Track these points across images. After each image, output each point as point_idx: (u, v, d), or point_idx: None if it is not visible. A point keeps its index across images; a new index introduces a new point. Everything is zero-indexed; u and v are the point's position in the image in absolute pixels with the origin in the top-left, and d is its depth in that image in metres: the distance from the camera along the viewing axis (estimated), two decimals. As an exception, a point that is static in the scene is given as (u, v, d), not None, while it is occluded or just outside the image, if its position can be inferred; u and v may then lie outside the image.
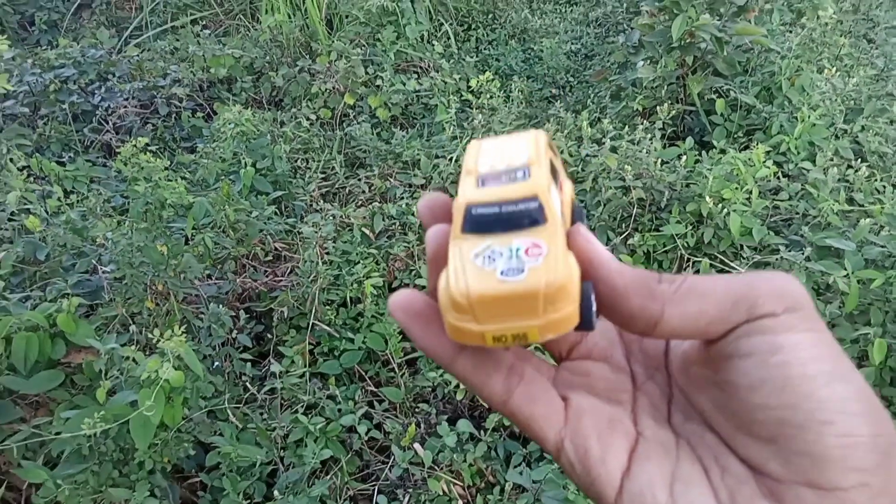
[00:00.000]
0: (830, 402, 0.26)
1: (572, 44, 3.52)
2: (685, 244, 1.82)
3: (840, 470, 0.26)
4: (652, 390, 0.32)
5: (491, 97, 2.64)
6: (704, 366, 0.30)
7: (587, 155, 2.17)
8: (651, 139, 2.08)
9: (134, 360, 1.46)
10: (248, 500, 1.45)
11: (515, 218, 0.27)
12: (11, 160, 2.12)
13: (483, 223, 0.28)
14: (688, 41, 2.31)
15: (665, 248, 1.87)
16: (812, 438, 0.26)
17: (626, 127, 2.18)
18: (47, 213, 2.06)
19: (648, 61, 2.44)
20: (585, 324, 0.27)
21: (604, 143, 2.09)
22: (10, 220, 1.97)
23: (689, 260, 1.81)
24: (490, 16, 3.81)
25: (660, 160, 1.98)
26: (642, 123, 2.17)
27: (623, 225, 2.00)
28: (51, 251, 1.93)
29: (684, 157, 1.99)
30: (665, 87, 2.45)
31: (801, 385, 0.26)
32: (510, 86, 2.90)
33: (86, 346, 1.57)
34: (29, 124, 2.80)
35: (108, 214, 2.15)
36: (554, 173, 0.30)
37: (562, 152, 2.24)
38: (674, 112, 2.25)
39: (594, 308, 0.28)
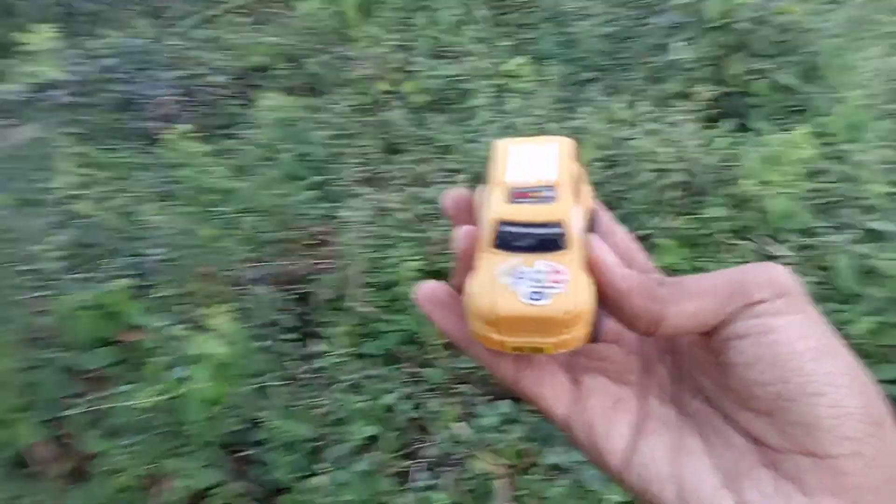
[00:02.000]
0: (819, 375, 0.28)
1: (608, 25, 3.49)
2: (726, 228, 1.81)
3: (832, 438, 0.28)
4: (661, 371, 0.35)
5: (526, 81, 2.64)
6: (706, 350, 0.32)
7: (622, 138, 2.17)
8: (689, 121, 2.07)
9: (183, 338, 1.52)
10: (295, 474, 1.50)
11: (541, 241, 0.30)
12: (61, 148, 2.19)
13: (511, 241, 0.30)
14: (726, 21, 2.28)
15: (705, 232, 1.87)
16: (804, 410, 0.28)
17: (663, 109, 2.17)
18: (95, 199, 2.14)
19: (686, 42, 2.42)
20: (594, 339, 0.31)
21: (641, 126, 2.08)
22: (61, 204, 2.04)
23: (730, 244, 1.80)
24: (523, -1, 3.79)
25: (698, 143, 1.97)
26: (680, 106, 2.15)
27: (660, 209, 2.00)
28: (102, 235, 2.00)
29: (723, 140, 1.97)
30: (703, 69, 2.42)
31: (792, 361, 0.28)
32: (545, 69, 2.90)
33: (138, 325, 1.63)
34: (75, 113, 2.88)
35: (153, 199, 2.22)
36: (577, 185, 0.32)
37: (594, 137, 2.24)
38: (712, 94, 2.23)
39: (603, 326, 0.32)
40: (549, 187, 0.31)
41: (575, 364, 0.34)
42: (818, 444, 0.28)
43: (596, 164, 2.19)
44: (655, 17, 2.85)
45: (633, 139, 2.09)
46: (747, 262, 1.78)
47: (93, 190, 2.12)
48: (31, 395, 1.54)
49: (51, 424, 1.57)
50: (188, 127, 2.05)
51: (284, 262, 2.06)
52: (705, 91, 2.13)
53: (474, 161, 2.33)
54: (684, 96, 2.43)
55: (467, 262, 0.32)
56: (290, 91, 3.09)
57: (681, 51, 2.36)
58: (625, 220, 2.04)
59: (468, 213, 0.34)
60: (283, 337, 1.81)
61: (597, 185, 1.99)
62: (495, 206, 0.31)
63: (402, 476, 1.64)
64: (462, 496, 1.50)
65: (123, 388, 1.52)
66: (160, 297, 1.78)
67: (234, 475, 1.60)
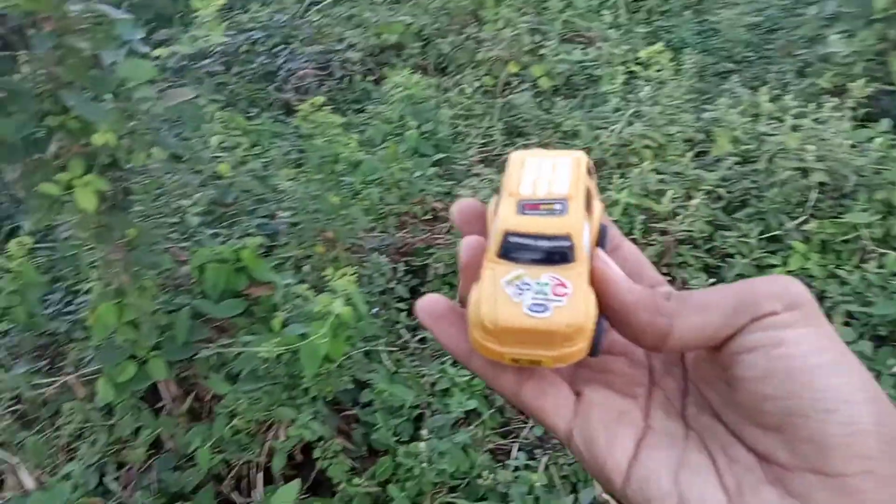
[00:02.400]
0: (832, 391, 0.27)
1: (754, 15, 3.28)
2: (871, 235, 1.67)
3: (844, 457, 0.26)
4: (668, 384, 0.33)
5: (660, 70, 2.54)
6: (714, 364, 0.31)
7: (762, 133, 2.05)
8: (840, 119, 1.92)
9: (305, 297, 1.60)
10: (397, 437, 1.55)
11: (548, 253, 0.29)
12: (209, 112, 2.35)
13: (518, 252, 0.30)
14: (892, 13, 2.09)
15: (845, 238, 1.73)
16: (816, 426, 0.27)
17: (811, 105, 2.02)
18: (236, 161, 2.28)
19: (843, 35, 2.23)
20: (592, 353, 0.30)
21: (784, 122, 1.95)
22: (205, 164, 2.19)
23: (873, 252, 1.66)
24: (665, -15, 3.64)
25: (849, 142, 1.82)
26: (831, 102, 2.00)
27: (798, 210, 1.87)
28: (237, 195, 2.14)
29: (878, 141, 1.81)
30: (860, 64, 2.23)
31: (804, 375, 0.27)
32: (681, 58, 2.78)
33: (264, 281, 1.74)
34: (222, 81, 3.08)
35: (286, 166, 2.34)
36: (588, 201, 0.32)
37: (735, 129, 2.13)
38: (869, 91, 2.05)
39: (602, 340, 0.30)
40: (560, 201, 0.31)
41: (579, 376, 0.33)
42: (829, 462, 0.26)
43: (732, 158, 2.08)
44: (811, 7, 2.65)
45: (774, 135, 1.97)
46: (893, 273, 1.63)
47: (233, 153, 2.27)
48: (165, 336, 1.68)
49: (180, 365, 1.71)
50: (322, 99, 2.14)
51: (403, 234, 2.12)
52: (861, 87, 1.96)
53: (600, 148, 2.28)
54: (836, 92, 2.25)
55: (471, 273, 0.31)
56: (419, 69, 3.15)
57: (837, 44, 2.18)
58: (757, 218, 1.93)
59: (478, 224, 0.33)
60: (396, 305, 1.87)
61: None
62: (504, 217, 0.30)
63: (499, 453, 1.65)
64: (559, 479, 1.49)
65: (247, 338, 1.63)
66: (286, 257, 1.88)
67: (339, 432, 1.68)
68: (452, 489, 1.51)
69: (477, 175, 2.28)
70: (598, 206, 0.33)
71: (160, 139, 1.31)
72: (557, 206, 0.30)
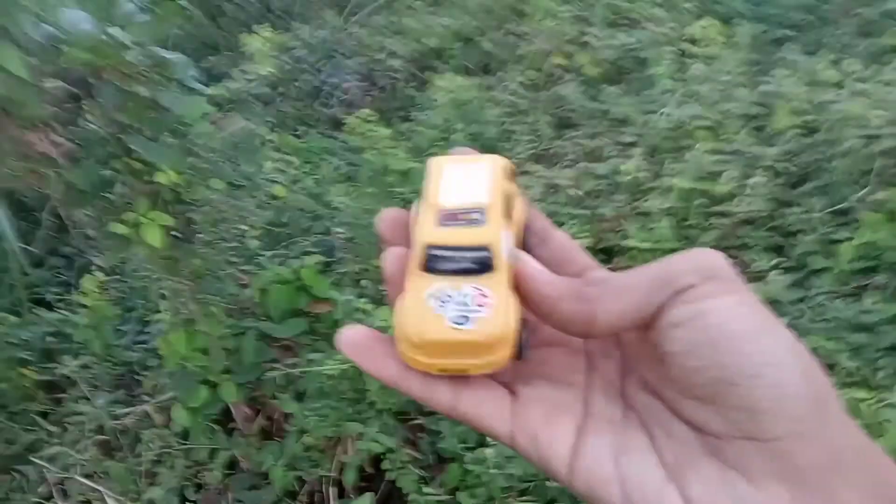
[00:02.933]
0: (757, 356, 0.27)
1: (807, -23, 3.12)
2: (951, 199, 1.56)
3: (773, 420, 0.27)
4: (607, 367, 0.34)
5: (709, 45, 2.45)
6: (646, 343, 0.31)
7: (825, 102, 1.94)
8: (908, 78, 1.80)
9: (365, 311, 1.61)
10: (463, 444, 1.55)
11: (469, 264, 0.30)
12: (261, 136, 2.41)
13: (440, 264, 0.31)
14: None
15: (922, 206, 1.62)
16: (744, 393, 0.27)
17: (875, 66, 1.90)
18: (289, 181, 2.32)
19: (906, -12, 2.09)
20: (518, 357, 0.31)
21: (846, 87, 1.85)
22: (261, 187, 2.24)
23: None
24: (709, -44, 3.51)
25: (919, 102, 1.71)
26: (896, 61, 1.88)
27: (866, 180, 1.76)
28: (292, 214, 2.18)
29: (953, 98, 1.69)
30: (928, 17, 2.09)
31: (728, 343, 0.27)
32: (733, 30, 2.66)
33: (325, 298, 1.76)
34: (271, 103, 3.15)
35: (338, 181, 2.37)
36: (508, 205, 0.32)
37: (794, 101, 2.03)
38: (939, 45, 1.92)
39: (528, 344, 0.32)
40: (479, 210, 0.31)
41: (518, 374, 0.33)
42: (760, 427, 0.27)
43: (792, 131, 1.99)
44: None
45: (837, 102, 1.86)
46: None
47: (286, 174, 2.31)
48: (233, 359, 1.72)
49: (249, 387, 1.76)
50: (369, 111, 2.15)
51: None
52: (931, 42, 1.83)
53: (651, 133, 2.22)
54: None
55: (396, 284, 0.32)
56: (463, 71, 3.14)
57: (899, -3, 2.05)
58: (822, 192, 1.84)
59: (404, 233, 0.34)
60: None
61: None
62: (424, 230, 0.31)
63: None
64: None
65: (312, 355, 1.65)
66: (344, 273, 1.90)
67: (406, 442, 1.68)
68: (522, 493, 1.49)
69: (528, 173, 2.25)
70: (519, 207, 0.34)
71: (218, 170, 1.35)
72: (475, 216, 0.31)
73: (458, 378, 0.32)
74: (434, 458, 1.63)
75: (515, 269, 0.31)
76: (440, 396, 0.32)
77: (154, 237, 1.38)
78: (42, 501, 1.69)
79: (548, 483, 1.41)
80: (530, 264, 0.32)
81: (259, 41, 1.46)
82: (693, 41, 2.49)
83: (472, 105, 2.58)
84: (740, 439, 0.27)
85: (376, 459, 1.59)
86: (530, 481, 1.47)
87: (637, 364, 0.33)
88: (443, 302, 0.30)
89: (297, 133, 2.87)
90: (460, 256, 0.30)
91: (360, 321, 1.64)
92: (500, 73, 2.97)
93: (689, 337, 0.28)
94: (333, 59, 3.28)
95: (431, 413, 1.65)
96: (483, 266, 0.30)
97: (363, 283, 1.83)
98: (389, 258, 0.33)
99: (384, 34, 3.40)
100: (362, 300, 1.66)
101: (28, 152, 1.26)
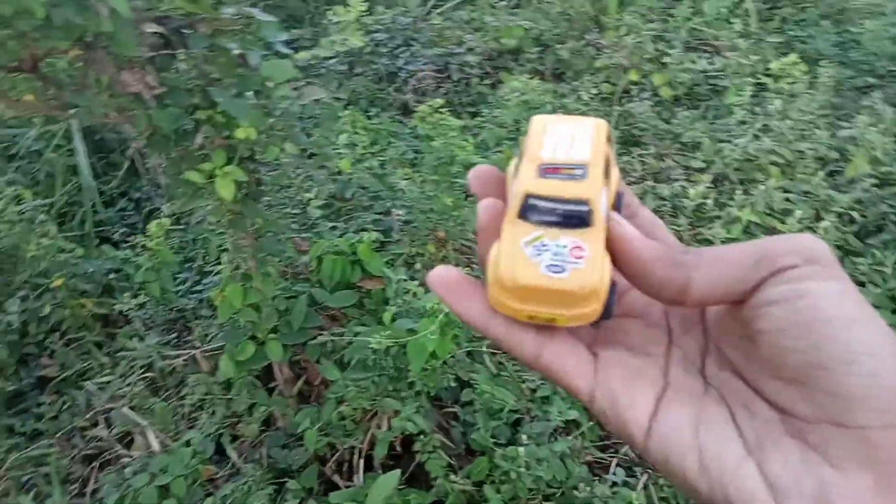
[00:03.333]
0: (853, 343, 0.27)
1: (903, 27, 3.06)
2: None
3: (864, 409, 0.26)
4: (687, 344, 0.33)
5: (793, 82, 2.42)
6: (736, 321, 0.31)
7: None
8: None
9: (415, 293, 1.65)
10: (495, 440, 1.57)
11: (567, 217, 0.30)
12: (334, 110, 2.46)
13: (538, 215, 0.30)
14: None
15: None
16: (837, 378, 0.27)
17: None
18: (354, 158, 2.37)
19: None
20: (605, 316, 0.31)
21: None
22: (328, 160, 2.29)
23: None
24: (802, -7, 3.45)
25: None
26: None
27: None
28: (355, 191, 2.23)
29: None
30: None
31: (826, 327, 0.27)
32: (816, 71, 2.62)
33: (377, 275, 1.80)
34: (344, 80, 3.21)
35: (402, 165, 2.41)
36: (607, 167, 0.32)
37: (875, 148, 1.99)
38: None
39: (614, 304, 0.31)
40: (581, 166, 0.31)
41: (596, 339, 0.34)
42: (849, 415, 0.26)
43: (868, 180, 1.95)
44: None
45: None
46: None
47: (353, 150, 2.36)
48: (282, 321, 1.77)
49: (293, 349, 1.80)
50: (441, 101, 2.18)
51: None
52: None
53: (722, 162, 2.20)
54: None
55: (489, 234, 0.32)
56: (537, 75, 3.15)
57: None
58: (892, 246, 1.80)
59: (495, 189, 0.34)
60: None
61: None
62: (525, 179, 0.31)
63: (596, 467, 1.63)
64: (658, 501, 1.46)
65: (358, 328, 1.69)
66: (398, 254, 1.94)
67: (439, 428, 1.71)
68: (547, 497, 1.51)
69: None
70: (615, 173, 0.34)
71: (294, 135, 1.39)
72: (577, 171, 0.31)
73: (544, 328, 0.32)
74: (463, 448, 1.65)
75: (612, 230, 0.31)
76: (526, 344, 0.32)
77: (227, 190, 1.43)
78: (87, 426, 1.78)
79: (576, 492, 1.42)
80: (628, 227, 0.31)
81: (354, 13, 1.49)
82: (775, 77, 2.46)
83: (543, 109, 2.59)
84: (826, 424, 0.27)
85: (406, 440, 1.63)
86: (557, 487, 1.48)
87: (720, 342, 0.33)
88: (539, 250, 0.30)
89: (369, 114, 2.92)
90: (560, 208, 0.30)
91: (408, 303, 1.67)
92: (575, 83, 2.97)
93: (786, 316, 0.28)
94: (412, 46, 3.33)
95: (466, 403, 1.68)
96: (581, 220, 0.30)
97: (416, 265, 1.86)
98: (484, 206, 0.32)
99: (464, 29, 3.43)
100: (414, 282, 1.69)
101: (121, 90, 1.32)
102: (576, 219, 0.30)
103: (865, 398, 0.26)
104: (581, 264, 0.30)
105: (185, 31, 1.28)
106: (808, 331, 0.27)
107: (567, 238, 0.30)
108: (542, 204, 0.31)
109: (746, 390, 0.31)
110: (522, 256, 0.30)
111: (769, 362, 0.29)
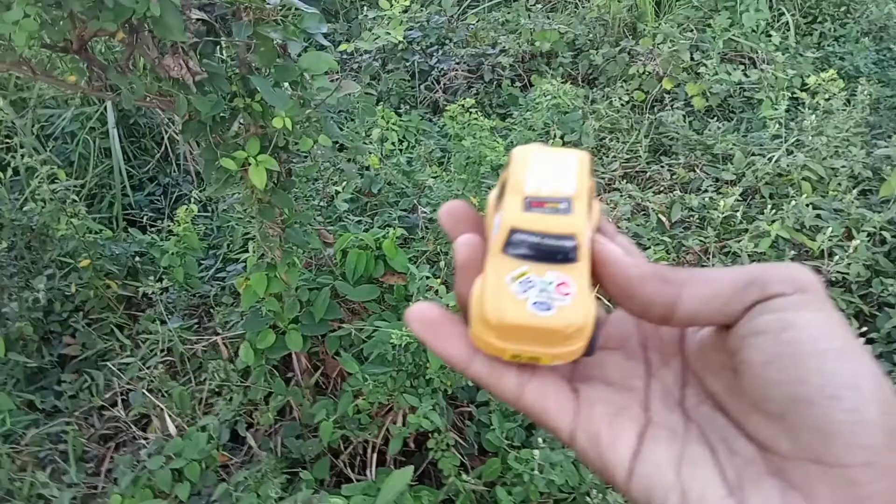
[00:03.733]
0: (838, 377, 0.26)
1: (946, 47, 3.00)
2: None
3: (846, 446, 0.26)
4: (666, 376, 0.33)
5: (829, 98, 2.38)
6: (720, 351, 0.30)
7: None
8: None
9: (437, 291, 1.64)
10: (509, 441, 1.56)
11: (553, 252, 0.30)
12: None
13: (523, 249, 0.30)
14: None
15: None
16: (820, 413, 0.26)
17: None
18: (383, 154, 2.38)
19: None
20: (588, 353, 0.31)
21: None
22: (357, 153, 2.29)
23: None
24: (843, 8, 3.40)
25: None
26: None
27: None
28: (382, 187, 2.23)
29: None
30: None
31: (811, 360, 0.27)
32: (854, 88, 2.58)
33: (400, 271, 1.80)
34: (376, 76, 3.23)
35: (430, 163, 2.41)
36: (590, 200, 0.32)
37: (911, 169, 1.95)
38: None
39: (598, 340, 0.31)
40: (566, 199, 0.30)
41: (575, 374, 0.33)
42: (830, 452, 0.26)
43: (899, 202, 1.92)
44: None
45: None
46: None
47: (381, 146, 2.37)
48: (304, 312, 1.78)
49: (313, 341, 1.81)
50: (472, 101, 2.18)
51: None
52: None
53: (754, 175, 2.17)
54: None
55: (469, 271, 0.31)
56: (569, 79, 3.14)
57: None
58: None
59: (467, 227, 0.33)
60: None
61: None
62: (510, 213, 0.30)
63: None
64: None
65: (378, 323, 1.70)
66: (422, 251, 1.94)
67: (454, 427, 1.71)
68: (558, 502, 1.50)
69: (618, 190, 2.24)
70: (596, 205, 0.33)
71: (328, 127, 1.39)
72: (563, 205, 0.30)
73: (526, 367, 0.31)
74: (476, 448, 1.65)
75: (597, 250, 0.31)
76: (507, 383, 0.31)
77: (259, 178, 1.44)
78: (105, 405, 1.80)
79: (588, 499, 1.41)
80: (613, 247, 0.31)
81: (398, 7, 1.49)
82: (811, 92, 2.42)
83: (574, 114, 2.58)
84: (807, 461, 0.27)
85: (420, 436, 1.62)
86: (569, 493, 1.47)
87: (701, 374, 0.32)
88: (525, 286, 0.29)
89: (398, 111, 2.93)
90: (546, 243, 0.30)
91: (429, 300, 1.67)
92: (607, 89, 2.95)
93: (772, 348, 0.27)
94: (445, 45, 3.33)
95: (482, 404, 1.67)
96: (567, 255, 0.30)
97: (440, 263, 1.86)
98: (463, 243, 0.31)
99: (498, 30, 3.43)
100: (436, 280, 1.69)
101: (163, 75, 1.34)
102: (561, 254, 0.30)
103: (847, 434, 0.26)
104: (567, 301, 0.29)
105: (228, 18, 1.29)
106: (793, 363, 0.27)
107: (553, 273, 0.30)
108: (527, 238, 0.30)
109: (727, 425, 0.30)
110: (508, 293, 0.29)
111: (752, 395, 0.29)
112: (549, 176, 0.31)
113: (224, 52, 1.35)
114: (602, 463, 0.30)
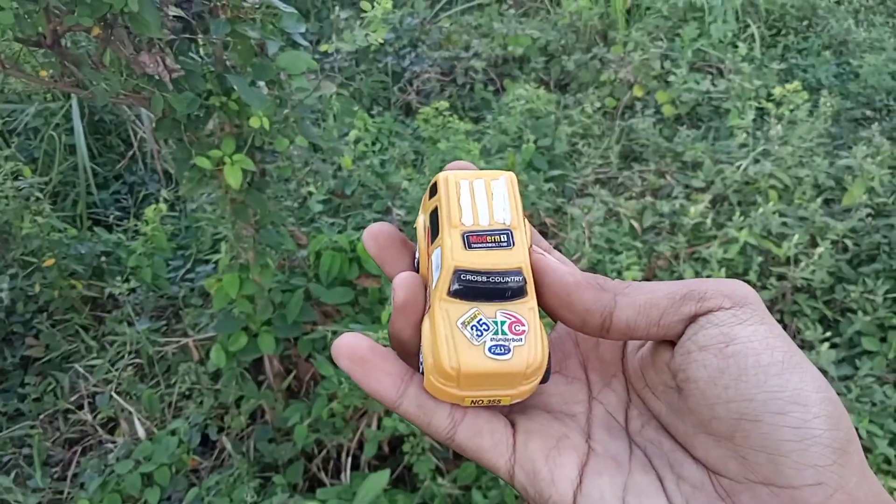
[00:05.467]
0: (783, 392, 0.26)
1: (903, 62, 3.10)
2: None
3: (795, 466, 0.25)
4: (608, 398, 0.32)
5: (793, 109, 2.45)
6: (662, 369, 0.29)
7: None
8: None
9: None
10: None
11: (501, 291, 0.29)
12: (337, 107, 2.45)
13: (470, 290, 0.29)
14: None
15: None
16: (767, 432, 0.25)
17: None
18: (355, 156, 2.36)
19: None
20: (544, 380, 0.30)
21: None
22: (332, 155, 2.28)
23: None
24: (805, 22, 3.50)
25: None
26: None
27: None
28: (355, 189, 2.22)
29: None
30: None
31: (756, 375, 0.26)
32: (818, 100, 2.66)
33: (374, 274, 1.79)
34: (351, 78, 3.21)
35: (403, 165, 2.41)
36: (523, 222, 0.31)
37: (872, 179, 2.02)
38: None
39: (551, 368, 0.30)
40: (506, 231, 0.30)
41: (512, 405, 0.31)
42: (780, 473, 0.25)
43: (864, 209, 1.98)
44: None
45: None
46: None
47: (355, 149, 2.35)
48: (277, 314, 1.76)
49: (285, 344, 1.79)
50: (447, 104, 2.19)
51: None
52: None
53: (722, 183, 2.22)
54: None
55: (410, 312, 0.30)
56: (541, 84, 3.16)
57: None
58: (886, 276, 1.83)
59: (393, 252, 0.32)
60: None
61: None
62: (452, 252, 0.29)
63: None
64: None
65: (352, 325, 1.68)
66: (396, 254, 1.93)
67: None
68: (534, 505, 1.51)
69: (590, 195, 2.27)
70: (527, 225, 0.32)
71: (304, 128, 1.38)
72: (503, 238, 0.30)
73: (456, 406, 0.30)
74: (451, 452, 1.65)
75: (534, 261, 0.30)
76: (438, 423, 0.30)
77: (234, 178, 1.42)
78: (71, 408, 1.75)
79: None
80: (550, 257, 0.30)
81: (380, 9, 1.49)
82: (776, 102, 2.48)
83: (547, 119, 2.60)
84: (757, 484, 0.26)
85: (395, 440, 1.62)
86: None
87: (645, 394, 0.31)
88: (478, 330, 0.28)
89: (371, 112, 2.92)
90: (493, 282, 0.29)
91: (357, 330, 1.66)
92: (579, 95, 2.98)
93: (716, 363, 0.27)
94: (418, 48, 3.33)
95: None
96: (515, 292, 0.29)
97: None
98: (401, 285, 0.30)
99: (471, 34, 3.44)
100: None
101: (138, 71, 1.31)
102: (510, 291, 0.29)
103: (796, 453, 0.25)
104: (523, 341, 0.28)
105: (205, 16, 1.27)
106: (738, 378, 0.26)
107: (502, 313, 0.29)
108: (473, 279, 0.29)
109: (674, 448, 0.29)
110: (462, 340, 0.28)
111: (698, 414, 0.28)
112: (483, 204, 0.30)
113: (201, 49, 1.32)
114: (543, 500, 0.29)
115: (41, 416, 1.76)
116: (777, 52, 3.32)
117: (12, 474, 1.57)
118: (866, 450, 1.38)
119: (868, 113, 2.91)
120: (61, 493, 1.59)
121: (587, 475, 0.29)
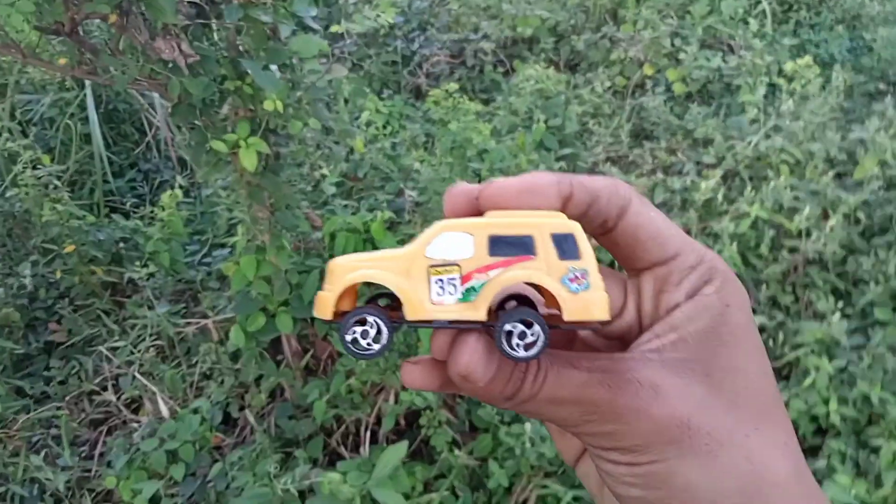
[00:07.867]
0: None
1: (917, 34, 3.07)
2: None
3: None
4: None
5: (805, 84, 2.43)
6: None
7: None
8: None
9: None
10: (499, 417, 1.59)
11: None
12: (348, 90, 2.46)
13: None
14: None
15: None
16: None
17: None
18: (367, 139, 2.38)
19: None
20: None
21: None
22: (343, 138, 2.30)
23: None
24: (818, -4, 3.46)
25: None
26: None
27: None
28: (367, 171, 2.24)
29: None
30: None
31: None
32: (829, 74, 2.64)
33: (389, 254, 1.82)
34: (359, 61, 3.22)
35: (414, 147, 2.43)
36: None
37: (884, 151, 2.01)
38: None
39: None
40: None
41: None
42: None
43: (875, 182, 1.98)
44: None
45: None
46: None
47: (367, 131, 2.37)
48: (293, 294, 1.79)
49: (302, 324, 1.82)
50: (456, 86, 2.20)
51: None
52: None
53: (733, 159, 2.22)
54: None
55: None
56: (551, 65, 3.16)
57: None
58: (899, 247, 1.83)
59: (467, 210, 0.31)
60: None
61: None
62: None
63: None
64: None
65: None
66: (410, 234, 1.95)
67: (445, 405, 1.74)
68: (548, 475, 1.53)
69: (602, 173, 2.28)
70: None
71: (317, 110, 1.40)
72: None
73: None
74: (467, 425, 1.68)
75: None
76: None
77: (249, 161, 1.44)
78: (96, 390, 1.79)
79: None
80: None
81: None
82: (788, 78, 2.47)
83: (557, 99, 2.60)
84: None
85: (412, 415, 1.65)
86: (559, 465, 1.51)
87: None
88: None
89: (381, 95, 2.93)
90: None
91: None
92: (589, 74, 2.98)
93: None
94: (427, 31, 3.33)
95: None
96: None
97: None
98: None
99: (480, 16, 3.44)
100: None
101: (154, 57, 1.33)
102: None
103: None
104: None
105: (219, 1, 1.29)
106: None
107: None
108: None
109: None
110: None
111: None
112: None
113: (214, 34, 1.34)
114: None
115: (67, 398, 1.81)
116: (789, 28, 3.28)
117: (42, 454, 1.62)
118: (880, 416, 1.39)
119: (881, 87, 2.88)
120: (89, 471, 1.63)
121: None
